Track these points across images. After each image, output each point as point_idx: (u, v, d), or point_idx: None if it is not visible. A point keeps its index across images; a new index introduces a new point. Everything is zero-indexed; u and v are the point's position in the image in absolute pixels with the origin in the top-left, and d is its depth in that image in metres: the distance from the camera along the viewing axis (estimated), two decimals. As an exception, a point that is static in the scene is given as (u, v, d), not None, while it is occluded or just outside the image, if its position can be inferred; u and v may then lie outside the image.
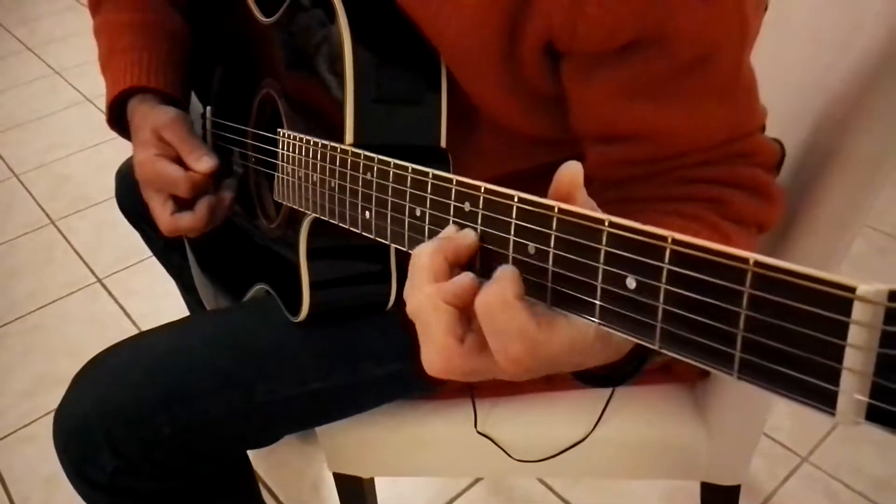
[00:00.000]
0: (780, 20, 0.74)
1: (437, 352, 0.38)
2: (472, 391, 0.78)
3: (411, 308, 0.39)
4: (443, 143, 0.61)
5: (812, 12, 0.77)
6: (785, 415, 1.29)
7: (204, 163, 0.71)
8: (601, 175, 0.60)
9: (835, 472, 1.22)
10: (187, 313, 1.19)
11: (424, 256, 0.39)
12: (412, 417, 0.81)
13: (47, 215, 1.99)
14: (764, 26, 0.57)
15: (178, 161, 0.73)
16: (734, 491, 0.86)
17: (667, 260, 0.28)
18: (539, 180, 0.69)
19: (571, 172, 0.37)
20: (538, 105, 0.60)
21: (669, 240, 0.28)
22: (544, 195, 0.37)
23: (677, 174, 0.56)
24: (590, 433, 0.78)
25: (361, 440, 0.83)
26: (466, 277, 0.38)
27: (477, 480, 1.25)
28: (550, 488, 1.23)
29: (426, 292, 0.38)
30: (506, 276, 0.36)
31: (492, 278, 0.36)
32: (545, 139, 0.65)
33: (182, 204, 0.74)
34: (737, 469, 0.83)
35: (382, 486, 0.98)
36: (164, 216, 0.73)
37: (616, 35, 0.50)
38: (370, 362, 0.73)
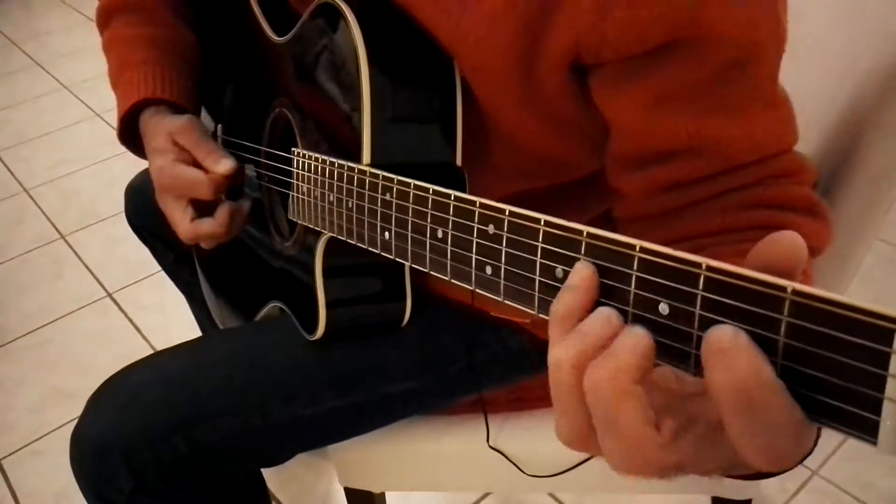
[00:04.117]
0: (791, 34, 0.74)
1: (632, 445, 0.31)
2: (485, 406, 0.78)
3: (582, 382, 0.32)
4: (458, 161, 0.61)
5: (823, 26, 0.77)
6: (795, 428, 1.29)
7: (222, 165, 0.70)
8: (647, 210, 0.57)
9: (845, 486, 1.21)
10: (197, 328, 1.19)
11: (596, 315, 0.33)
12: (424, 432, 0.81)
13: (57, 230, 2.00)
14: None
15: (196, 165, 0.72)
16: (745, 506, 0.86)
17: (701, 287, 0.28)
18: (554, 200, 0.69)
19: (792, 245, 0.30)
20: (555, 126, 0.60)
21: (704, 266, 0.28)
22: (558, 214, 0.36)
23: (731, 200, 0.53)
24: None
25: (373, 455, 0.83)
26: (648, 344, 0.30)
27: (487, 494, 1.25)
28: (561, 502, 1.22)
29: (608, 371, 0.30)
30: (749, 344, 0.27)
31: (721, 343, 0.28)
32: (560, 160, 0.65)
33: (201, 211, 0.73)
34: (747, 483, 0.83)
35: (392, 500, 0.98)
36: (185, 222, 0.72)
37: (647, 36, 0.49)
38: (384, 380, 0.73)
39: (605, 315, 0.32)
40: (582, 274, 0.34)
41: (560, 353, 0.32)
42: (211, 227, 0.72)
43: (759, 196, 0.52)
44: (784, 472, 0.33)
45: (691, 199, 0.54)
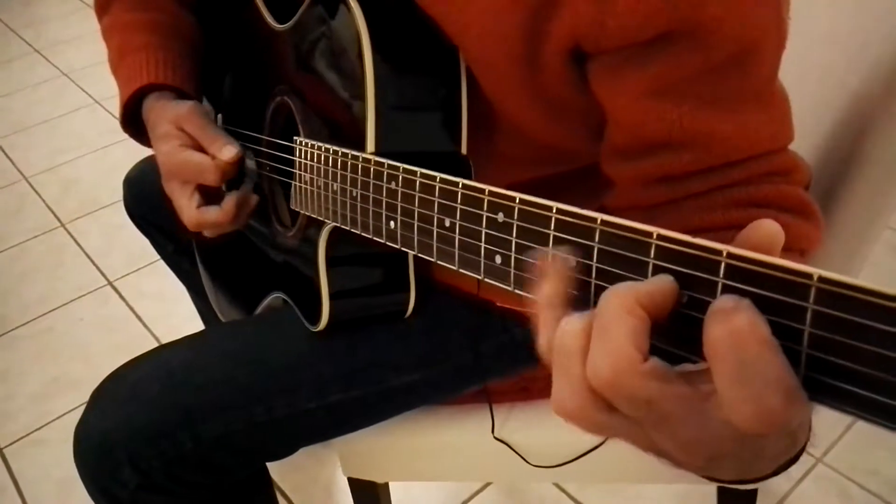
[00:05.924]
0: (798, 22, 0.73)
1: (611, 359, 0.30)
2: (489, 396, 0.78)
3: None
4: (464, 150, 0.60)
5: (831, 13, 0.77)
6: (799, 416, 1.29)
7: (227, 151, 0.69)
8: (636, 201, 0.56)
9: (850, 474, 1.21)
10: (199, 317, 1.18)
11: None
12: (429, 423, 0.81)
13: (57, 218, 1.99)
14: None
15: (201, 151, 0.71)
16: (750, 495, 0.85)
17: (721, 275, 0.27)
18: (561, 188, 0.68)
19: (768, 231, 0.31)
20: (559, 114, 0.59)
21: (724, 253, 0.27)
22: (566, 202, 0.35)
23: (721, 197, 0.52)
24: (607, 437, 0.78)
25: (377, 446, 0.82)
26: (669, 283, 0.30)
27: (489, 483, 1.25)
28: (564, 491, 1.22)
29: (622, 287, 0.31)
30: (751, 304, 0.27)
31: (724, 304, 0.28)
32: (565, 149, 0.64)
33: (207, 199, 0.72)
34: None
35: (395, 489, 0.98)
36: (191, 209, 0.71)
37: (648, 25, 0.48)
38: (390, 373, 0.72)
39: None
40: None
41: (570, 322, 0.32)
42: (217, 215, 0.71)
43: (750, 194, 0.52)
44: (764, 478, 0.35)
45: (680, 194, 0.53)
